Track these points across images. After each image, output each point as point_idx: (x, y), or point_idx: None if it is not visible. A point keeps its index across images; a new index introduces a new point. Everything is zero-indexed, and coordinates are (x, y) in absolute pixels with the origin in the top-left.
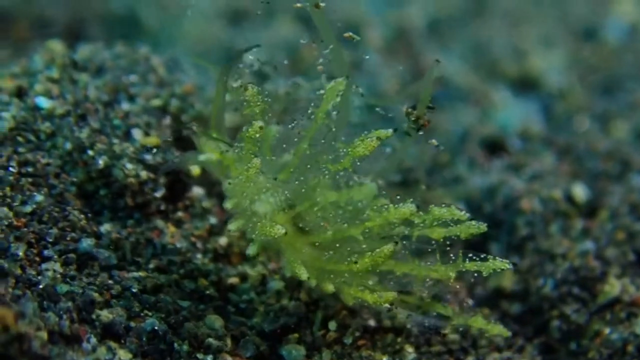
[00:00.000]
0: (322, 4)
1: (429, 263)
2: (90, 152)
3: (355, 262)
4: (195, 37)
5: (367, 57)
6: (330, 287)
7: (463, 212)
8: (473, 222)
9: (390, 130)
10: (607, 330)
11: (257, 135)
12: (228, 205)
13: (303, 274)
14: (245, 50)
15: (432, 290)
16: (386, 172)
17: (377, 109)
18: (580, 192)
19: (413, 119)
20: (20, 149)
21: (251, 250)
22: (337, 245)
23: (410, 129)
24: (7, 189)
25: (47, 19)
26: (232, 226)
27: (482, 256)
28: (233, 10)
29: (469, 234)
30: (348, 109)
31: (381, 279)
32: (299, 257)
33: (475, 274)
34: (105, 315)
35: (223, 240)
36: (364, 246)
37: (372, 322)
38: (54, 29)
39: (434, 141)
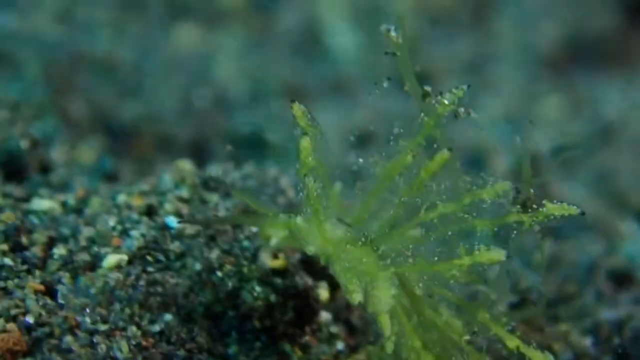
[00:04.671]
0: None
1: None
2: (219, 274)
3: None
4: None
5: None
6: None
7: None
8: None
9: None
10: None
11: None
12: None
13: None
14: None
15: None
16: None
17: None
18: None
19: (521, 202)
20: (149, 269)
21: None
22: None
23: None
24: (136, 307)
25: (171, 137)
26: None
27: None
28: (358, 134)
29: None
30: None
31: None
32: None
33: None
34: None
35: None
36: None
37: None
38: (178, 147)
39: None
